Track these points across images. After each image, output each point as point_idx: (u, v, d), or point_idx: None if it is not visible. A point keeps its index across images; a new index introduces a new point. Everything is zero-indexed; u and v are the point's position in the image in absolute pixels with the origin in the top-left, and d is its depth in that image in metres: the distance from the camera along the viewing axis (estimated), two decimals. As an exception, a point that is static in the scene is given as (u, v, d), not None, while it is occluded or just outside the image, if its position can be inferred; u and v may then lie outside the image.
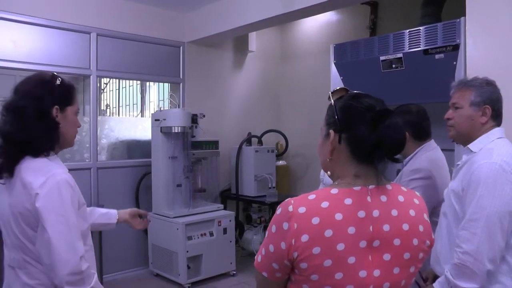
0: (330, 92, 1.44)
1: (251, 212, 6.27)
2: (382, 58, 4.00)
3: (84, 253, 1.74)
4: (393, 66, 3.92)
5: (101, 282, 5.17)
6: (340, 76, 4.49)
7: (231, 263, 5.42)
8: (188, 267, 5.02)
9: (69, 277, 1.67)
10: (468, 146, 2.14)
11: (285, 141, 6.55)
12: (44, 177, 1.71)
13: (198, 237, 5.13)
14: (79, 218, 1.79)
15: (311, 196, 1.32)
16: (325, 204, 1.29)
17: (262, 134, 6.43)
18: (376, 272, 1.30)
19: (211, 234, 5.25)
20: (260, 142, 6.34)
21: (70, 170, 5.11)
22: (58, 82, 1.85)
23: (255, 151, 6.06)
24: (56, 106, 1.82)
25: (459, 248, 1.96)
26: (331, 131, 1.37)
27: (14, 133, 1.75)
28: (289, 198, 1.34)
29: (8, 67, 4.76)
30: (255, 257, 1.43)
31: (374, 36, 4.85)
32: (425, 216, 1.41)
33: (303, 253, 1.26)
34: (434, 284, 2.12)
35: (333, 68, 4.54)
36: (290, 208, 1.30)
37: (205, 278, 5.19)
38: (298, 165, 6.89)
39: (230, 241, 5.42)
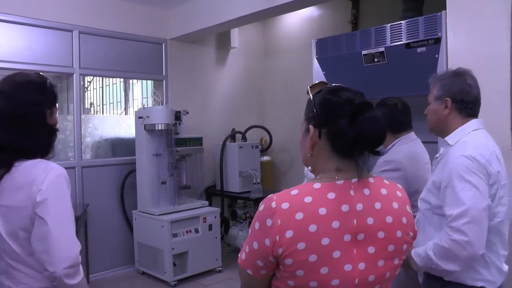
0: (308, 87, 1.41)
1: (236, 208, 6.22)
2: (364, 52, 3.96)
3: (80, 246, 1.74)
4: (375, 60, 3.88)
5: (88, 282, 5.13)
6: (323, 71, 4.45)
7: (217, 259, 5.36)
8: (174, 265, 4.95)
9: (68, 270, 1.65)
10: (445, 138, 2.14)
11: (269, 136, 6.49)
12: (44, 173, 1.68)
13: (184, 234, 5.05)
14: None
15: (294, 192, 1.29)
16: (308, 199, 1.26)
17: (246, 130, 6.36)
18: (361, 265, 1.28)
19: (197, 231, 5.18)
20: (244, 138, 6.28)
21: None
22: (48, 84, 1.83)
23: (239, 147, 5.99)
24: (48, 110, 1.81)
25: (449, 236, 1.92)
26: (311, 126, 1.35)
27: (19, 141, 1.72)
28: (272, 194, 1.30)
29: (-12, 66, 4.62)
30: (239, 254, 1.40)
31: (356, 31, 4.79)
32: (408, 208, 1.40)
33: (287, 249, 1.24)
34: (412, 251, 2.09)
35: (315, 63, 4.50)
36: (273, 204, 1.27)
37: (192, 275, 5.13)
38: (282, 161, 6.84)
39: (216, 238, 5.36)
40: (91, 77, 7.99)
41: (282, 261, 1.26)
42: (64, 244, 1.65)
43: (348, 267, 1.26)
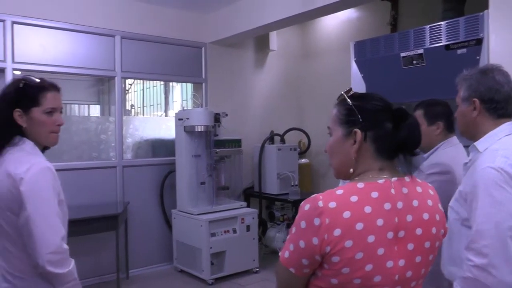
0: (342, 92, 1.47)
1: (274, 210, 6.26)
2: (402, 54, 3.94)
3: (65, 234, 1.84)
4: (414, 62, 3.86)
5: (127, 277, 5.30)
6: (361, 73, 4.45)
7: (254, 260, 5.43)
8: (212, 264, 5.05)
9: (50, 256, 1.75)
10: (474, 144, 1.98)
11: (308, 139, 6.52)
12: (28, 164, 1.82)
13: (222, 234, 5.15)
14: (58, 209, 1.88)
15: (339, 191, 1.33)
16: (354, 198, 1.30)
17: (285, 132, 6.41)
18: (401, 262, 1.32)
19: (234, 231, 5.26)
20: (282, 141, 6.33)
21: (96, 168, 5.17)
22: (21, 85, 1.94)
23: (277, 149, 6.05)
24: (18, 109, 1.91)
25: (469, 262, 1.76)
26: (357, 130, 1.39)
27: None
28: (316, 194, 1.34)
29: (37, 70, 4.83)
30: (280, 253, 1.42)
31: (394, 33, 4.77)
32: (439, 206, 1.46)
33: (335, 247, 1.27)
34: None
35: (354, 66, 4.50)
36: (320, 204, 1.30)
37: (228, 274, 5.21)
38: (320, 163, 6.85)
39: (253, 239, 5.43)
40: (132, 80, 8.23)
41: (328, 259, 1.29)
42: (45, 230, 1.77)
43: (390, 264, 1.30)
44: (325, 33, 6.77)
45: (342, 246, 1.27)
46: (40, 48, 4.95)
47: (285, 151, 6.11)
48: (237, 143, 5.68)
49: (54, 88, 2.00)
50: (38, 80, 1.97)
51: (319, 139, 6.57)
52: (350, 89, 1.47)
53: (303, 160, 6.68)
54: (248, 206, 5.78)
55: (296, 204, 5.71)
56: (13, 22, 4.78)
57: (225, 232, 5.17)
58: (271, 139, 6.26)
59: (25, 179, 1.78)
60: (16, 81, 1.96)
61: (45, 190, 1.82)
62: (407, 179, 1.41)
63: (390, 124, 1.37)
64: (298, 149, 6.40)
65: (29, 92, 1.93)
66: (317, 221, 1.28)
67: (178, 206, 5.51)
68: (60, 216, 1.87)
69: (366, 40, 4.38)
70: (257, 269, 5.44)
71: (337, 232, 1.27)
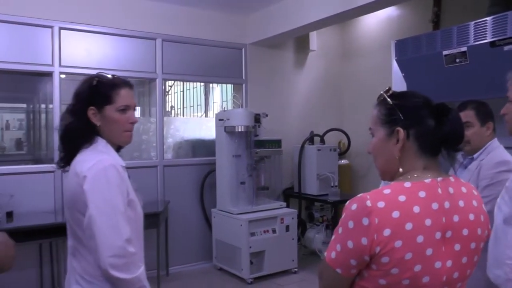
0: (382, 92, 1.48)
1: (313, 210, 6.28)
2: (445, 52, 3.89)
3: (130, 236, 1.74)
4: (457, 60, 3.81)
5: (167, 274, 5.42)
6: (402, 72, 4.41)
7: (293, 260, 5.45)
8: (251, 263, 5.11)
9: (112, 260, 1.67)
10: None
11: (348, 139, 6.51)
12: (92, 162, 1.77)
13: (261, 234, 5.20)
14: (127, 209, 1.81)
15: (386, 191, 1.33)
16: (402, 198, 1.30)
17: (325, 133, 6.42)
18: (449, 263, 1.32)
19: (274, 231, 5.30)
20: (322, 141, 6.34)
21: (137, 167, 5.28)
22: (94, 82, 1.90)
23: (317, 149, 6.06)
24: (92, 107, 1.87)
25: (510, 260, 1.73)
26: (399, 129, 1.39)
27: (60, 129, 1.92)
28: (362, 194, 1.34)
29: (82, 73, 4.99)
30: (326, 253, 1.41)
31: (436, 30, 4.70)
32: (483, 206, 1.44)
33: (385, 248, 1.27)
34: None
35: (395, 65, 4.47)
36: (368, 203, 1.30)
37: (268, 274, 5.25)
38: (360, 164, 6.81)
39: (293, 239, 5.45)
40: (172, 82, 8.38)
41: (377, 260, 1.29)
42: (106, 231, 1.69)
43: (438, 264, 1.30)
44: (365, 32, 6.75)
45: (392, 247, 1.26)
46: (85, 52, 5.15)
47: (325, 152, 6.12)
48: (277, 143, 5.71)
49: (127, 85, 1.95)
50: (110, 77, 1.93)
51: (359, 140, 6.53)
52: (389, 88, 1.48)
53: (343, 161, 6.66)
54: (287, 206, 5.81)
55: (335, 205, 5.71)
56: (60, 28, 4.97)
57: (264, 232, 5.22)
58: (310, 139, 6.28)
59: (88, 177, 1.74)
60: (89, 79, 1.92)
61: (107, 188, 1.74)
62: (452, 179, 1.41)
63: (432, 120, 1.37)
64: (338, 150, 6.39)
65: (102, 89, 1.88)
66: (366, 221, 1.28)
67: (218, 206, 5.60)
68: (127, 217, 1.78)
69: (407, 39, 4.35)
70: (296, 270, 5.46)
71: (386, 232, 1.27)
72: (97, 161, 1.77)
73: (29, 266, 4.76)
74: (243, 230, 5.09)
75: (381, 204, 1.29)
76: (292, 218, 5.46)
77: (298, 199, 6.22)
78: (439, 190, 1.35)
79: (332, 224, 5.90)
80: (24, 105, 6.33)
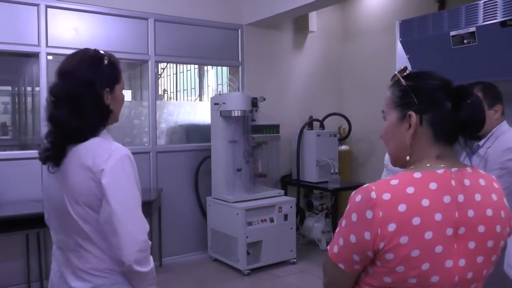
0: (396, 72, 1.40)
1: (312, 198, 6.27)
2: (452, 33, 3.86)
3: (148, 228, 1.74)
4: (465, 41, 3.77)
5: (160, 265, 5.42)
6: (407, 54, 4.39)
7: (291, 250, 5.44)
8: (248, 253, 5.09)
9: (137, 254, 1.66)
10: None
11: (348, 125, 6.47)
12: (107, 153, 1.68)
13: (258, 223, 5.17)
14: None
15: (394, 181, 1.28)
16: (410, 190, 1.25)
17: (324, 118, 6.39)
18: (461, 262, 1.26)
19: (272, 220, 5.28)
20: (322, 126, 6.31)
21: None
22: (106, 61, 1.80)
23: (317, 135, 6.02)
24: (107, 89, 1.78)
25: None
26: (411, 113, 1.33)
27: (71, 121, 1.71)
28: (368, 184, 1.29)
29: (71, 54, 4.93)
30: (329, 247, 1.38)
31: (443, 10, 4.65)
32: (505, 201, 1.37)
33: (389, 243, 1.22)
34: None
35: (399, 46, 4.45)
36: (373, 195, 1.25)
37: (265, 265, 5.24)
38: (361, 151, 6.80)
39: (291, 228, 5.44)
40: (165, 64, 8.32)
41: (381, 256, 1.25)
42: (130, 225, 1.66)
43: (449, 263, 1.25)
44: (367, 12, 6.68)
45: (397, 242, 1.22)
46: (73, 32, 5.06)
47: (324, 137, 6.09)
48: (275, 128, 5.68)
49: None
50: (108, 53, 1.85)
51: (360, 125, 6.52)
52: (405, 68, 1.41)
53: (343, 147, 6.64)
54: (285, 194, 5.79)
55: (335, 193, 5.69)
56: (47, 6, 4.88)
57: (262, 221, 5.20)
58: (310, 124, 6.25)
59: (106, 170, 1.66)
60: (99, 58, 1.80)
61: (127, 181, 1.71)
62: (469, 169, 1.34)
63: (450, 105, 1.30)
64: (338, 135, 6.36)
65: (115, 68, 1.83)
66: (369, 214, 1.24)
67: (213, 194, 5.57)
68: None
69: (413, 19, 4.32)
70: (295, 260, 5.46)
71: (391, 227, 1.22)
72: (112, 151, 1.70)
73: (15, 257, 4.73)
74: (239, 219, 5.06)
75: (386, 196, 1.24)
76: (291, 207, 5.44)
77: (296, 186, 6.19)
78: (453, 182, 1.28)
79: (332, 213, 5.88)
80: (9, 88, 6.25)
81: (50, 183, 1.82)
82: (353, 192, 1.32)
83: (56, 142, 1.73)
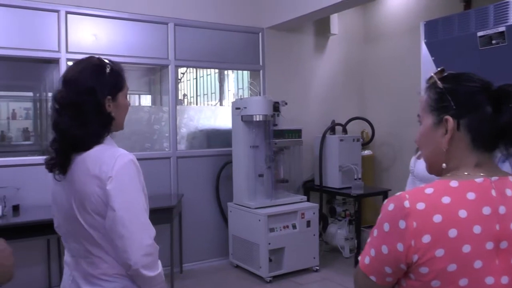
0: (432, 74, 1.35)
1: (335, 204, 6.20)
2: (479, 33, 3.78)
3: (155, 233, 1.76)
4: (493, 42, 3.69)
5: (181, 271, 5.41)
6: (432, 56, 4.31)
7: (314, 258, 5.38)
8: (270, 260, 5.05)
9: (144, 259, 1.68)
10: None
11: (371, 129, 6.39)
12: (112, 160, 1.71)
13: (281, 229, 5.13)
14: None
15: (428, 190, 1.22)
16: (446, 200, 1.19)
17: (347, 122, 6.33)
18: (504, 279, 1.19)
19: (294, 226, 5.24)
20: (344, 131, 6.25)
21: (149, 159, 5.28)
22: (108, 69, 1.82)
23: (339, 140, 5.96)
24: (109, 97, 1.80)
25: None
26: (448, 117, 1.27)
27: (73, 129, 1.74)
28: (401, 192, 1.24)
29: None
30: (360, 258, 1.33)
31: (469, 9, 4.57)
32: None
33: (424, 256, 1.17)
34: None
35: (424, 48, 4.37)
36: (406, 204, 1.20)
37: (287, 272, 5.20)
38: (384, 155, 6.72)
39: (314, 235, 5.39)
40: (184, 69, 8.35)
41: (415, 269, 1.20)
42: (136, 230, 1.69)
43: (489, 280, 1.17)
44: (390, 14, 6.61)
45: (432, 255, 1.16)
46: (93, 37, 5.11)
47: (347, 142, 6.02)
48: (297, 133, 5.63)
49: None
50: (109, 61, 1.86)
51: (383, 129, 6.46)
52: (443, 70, 1.35)
53: (366, 152, 6.57)
54: (307, 200, 5.74)
55: (358, 199, 5.62)
56: (67, 12, 4.93)
57: (284, 227, 5.16)
58: (332, 129, 6.20)
59: (113, 176, 1.69)
60: (100, 66, 1.83)
61: (132, 187, 1.74)
62: (511, 178, 1.27)
63: (490, 108, 1.23)
64: (361, 140, 6.29)
65: (117, 76, 1.85)
66: (402, 224, 1.19)
67: (234, 199, 5.55)
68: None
69: (438, 19, 4.24)
70: (317, 268, 5.40)
71: (426, 238, 1.16)
72: (116, 157, 1.73)
73: (36, 262, 4.77)
74: (261, 225, 5.02)
75: (420, 206, 1.19)
76: (313, 213, 5.39)
77: (319, 192, 6.13)
78: (493, 192, 1.21)
79: (355, 219, 5.82)
80: (31, 94, 6.33)
81: (57, 191, 1.85)
82: (385, 201, 1.28)
83: (60, 150, 1.76)
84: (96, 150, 1.75)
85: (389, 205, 1.24)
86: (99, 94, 1.77)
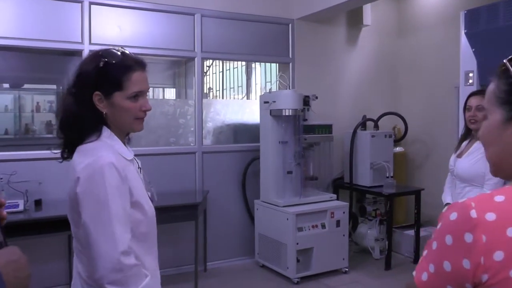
0: (505, 61, 1.16)
1: (365, 203, 6.08)
2: (528, 23, 3.60)
3: (128, 247, 1.62)
4: (543, 32, 3.50)
5: (205, 269, 5.32)
6: (472, 48, 4.16)
7: (343, 259, 5.28)
8: (298, 261, 4.96)
9: (112, 275, 1.56)
10: None
11: (404, 125, 6.23)
12: (87, 161, 1.64)
13: (309, 229, 5.03)
14: (132, 211, 1.70)
15: (499, 198, 1.07)
16: None
17: (379, 117, 6.18)
18: None
19: (323, 226, 5.13)
20: (376, 126, 6.11)
21: (174, 154, 5.21)
22: (101, 64, 1.71)
23: (371, 136, 5.84)
24: (97, 93, 1.71)
25: None
26: None
27: (63, 120, 1.77)
28: (466, 199, 1.08)
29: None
30: (415, 273, 1.15)
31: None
32: None
33: (495, 277, 1.01)
34: None
35: (464, 39, 4.22)
36: (473, 214, 1.03)
37: (315, 273, 5.11)
38: (417, 153, 6.58)
39: (343, 235, 5.28)
40: (210, 62, 8.29)
41: None
42: (101, 241, 1.59)
43: None
44: (425, 3, 6.44)
45: (505, 276, 1.00)
46: (117, 29, 5.06)
47: (379, 138, 5.89)
48: (327, 128, 5.52)
49: (140, 66, 1.76)
50: (120, 56, 1.73)
51: (416, 125, 6.31)
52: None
53: (398, 149, 6.41)
54: (337, 198, 5.63)
55: (390, 198, 5.48)
56: (90, 3, 4.90)
57: (313, 227, 5.06)
58: (363, 124, 6.07)
59: (81, 178, 1.62)
60: (95, 58, 1.73)
61: (103, 191, 1.61)
62: None
63: None
64: (393, 136, 6.14)
65: (111, 73, 1.70)
66: (469, 238, 1.02)
67: (261, 197, 5.46)
68: (133, 221, 1.68)
69: (481, 8, 4.07)
70: (347, 269, 5.30)
71: (498, 255, 1.00)
72: (93, 159, 1.64)
73: (59, 258, 4.77)
74: (289, 224, 4.93)
75: (490, 216, 1.02)
76: (343, 212, 5.27)
77: (349, 190, 6.02)
78: None
79: (386, 219, 5.67)
80: (54, 86, 6.33)
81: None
82: (445, 208, 1.12)
83: (62, 139, 1.79)
84: (85, 147, 1.70)
85: (451, 214, 1.08)
86: (84, 88, 1.71)
